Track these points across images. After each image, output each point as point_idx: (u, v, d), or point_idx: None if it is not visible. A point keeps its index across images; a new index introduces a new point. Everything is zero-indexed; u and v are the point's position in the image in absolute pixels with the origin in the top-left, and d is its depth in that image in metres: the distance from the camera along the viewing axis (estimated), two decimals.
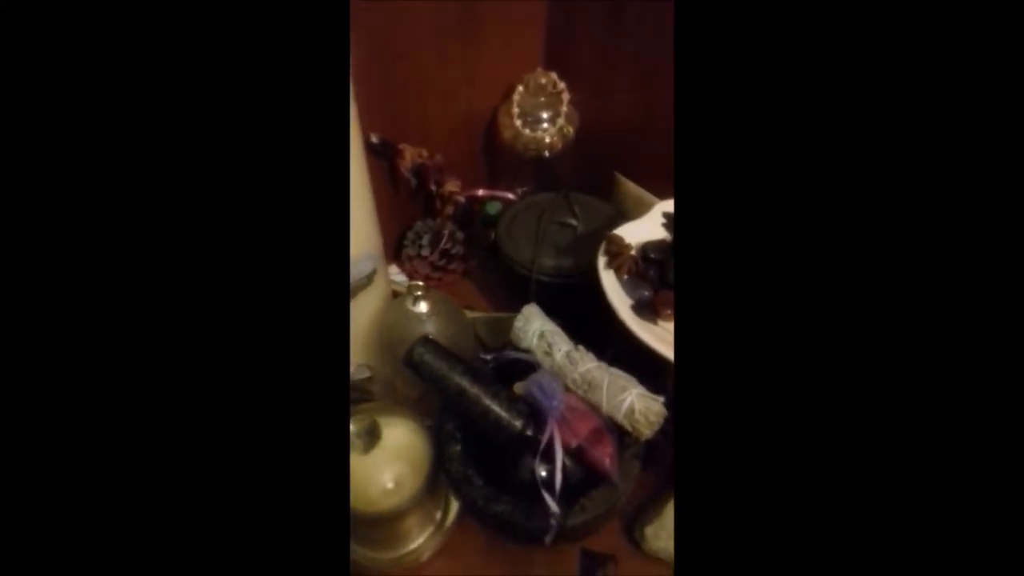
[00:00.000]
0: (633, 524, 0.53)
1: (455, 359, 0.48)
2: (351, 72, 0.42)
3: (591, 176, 0.72)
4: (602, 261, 0.52)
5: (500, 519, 0.44)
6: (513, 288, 0.63)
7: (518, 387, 0.49)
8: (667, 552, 0.51)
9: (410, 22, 0.60)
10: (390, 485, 0.45)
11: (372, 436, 0.45)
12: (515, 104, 0.66)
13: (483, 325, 0.64)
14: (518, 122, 0.66)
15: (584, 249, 0.60)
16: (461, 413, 0.48)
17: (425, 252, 0.70)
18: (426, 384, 0.48)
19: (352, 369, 0.59)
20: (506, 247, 0.62)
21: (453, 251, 0.71)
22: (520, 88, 0.67)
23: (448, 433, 0.48)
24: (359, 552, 0.49)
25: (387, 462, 0.45)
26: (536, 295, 0.59)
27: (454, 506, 0.53)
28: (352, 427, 0.45)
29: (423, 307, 0.54)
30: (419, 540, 0.51)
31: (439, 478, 0.49)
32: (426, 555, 0.50)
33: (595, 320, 0.53)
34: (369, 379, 0.62)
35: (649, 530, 0.51)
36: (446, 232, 0.70)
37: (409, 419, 0.49)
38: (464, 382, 0.47)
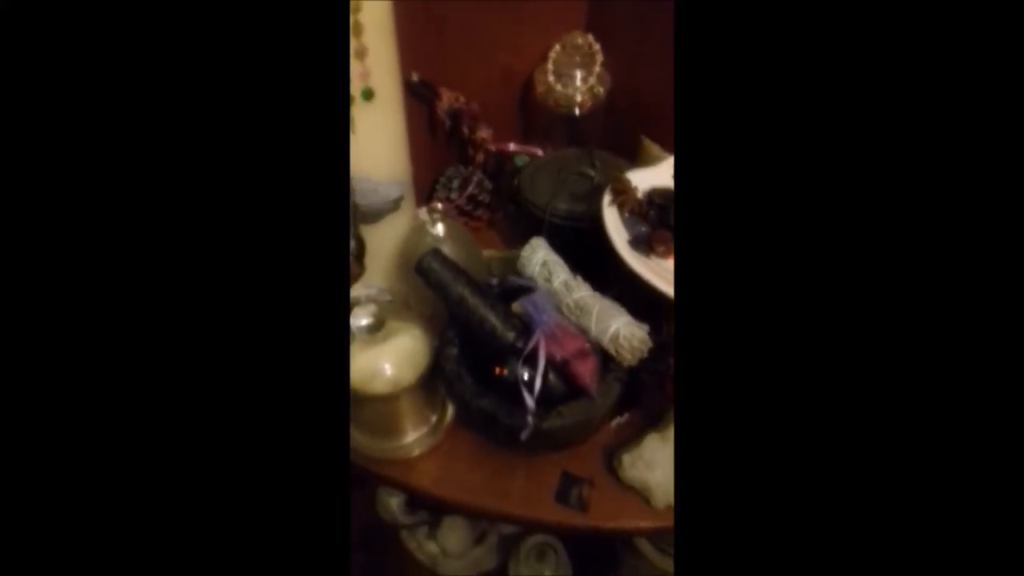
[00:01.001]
0: (612, 456, 0.57)
1: (460, 271, 0.53)
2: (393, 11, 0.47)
3: (618, 137, 0.76)
4: (607, 198, 0.56)
5: (483, 413, 0.49)
6: (529, 230, 0.67)
7: (515, 305, 0.54)
8: (641, 481, 0.54)
9: None
10: (388, 373, 0.51)
11: (377, 326, 0.50)
12: (550, 61, 0.71)
13: (497, 263, 0.69)
14: (551, 78, 0.71)
15: (598, 198, 0.64)
16: (461, 321, 0.53)
17: (454, 196, 0.76)
18: (432, 291, 0.53)
19: (373, 292, 0.66)
20: (526, 191, 0.67)
21: (480, 198, 0.77)
22: (557, 47, 0.71)
23: (448, 338, 0.54)
24: (356, 438, 0.55)
25: (388, 352, 0.50)
26: (548, 236, 0.63)
27: (449, 413, 0.58)
28: (362, 319, 0.50)
29: (440, 229, 0.59)
30: (412, 436, 0.56)
31: (436, 380, 0.54)
32: (416, 451, 0.56)
33: (600, 262, 0.57)
34: (390, 302, 0.69)
35: (627, 458, 0.54)
36: (475, 178, 0.76)
37: (415, 324, 0.54)
38: (465, 292, 0.52)
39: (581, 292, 0.53)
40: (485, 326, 0.51)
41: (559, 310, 0.53)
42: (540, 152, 0.79)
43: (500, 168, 0.80)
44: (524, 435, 0.47)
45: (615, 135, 0.79)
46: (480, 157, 0.76)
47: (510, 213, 0.80)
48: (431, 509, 0.76)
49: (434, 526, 0.73)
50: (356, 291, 0.61)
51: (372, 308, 0.49)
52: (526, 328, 0.52)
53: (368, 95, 0.51)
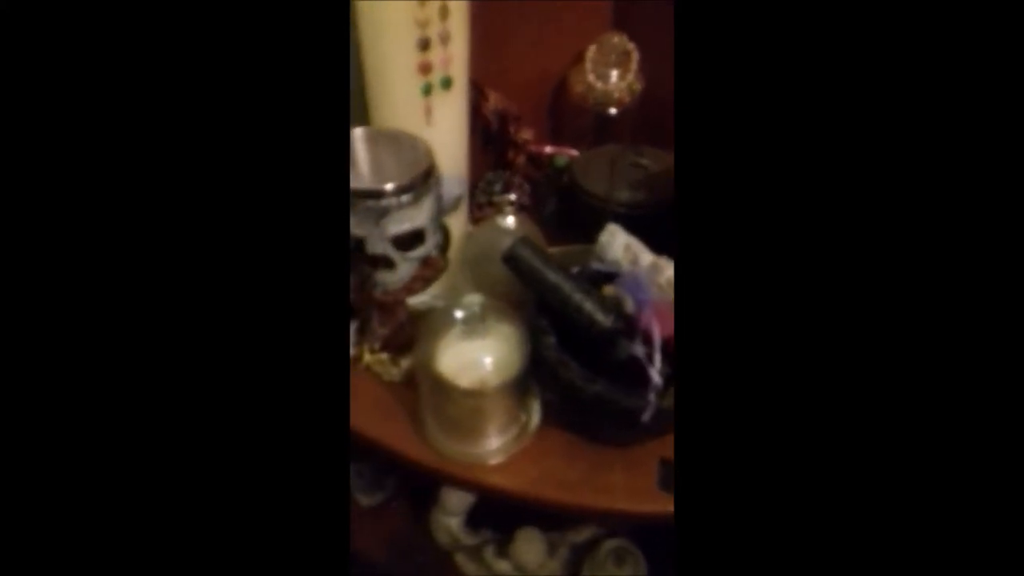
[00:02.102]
0: None
1: (550, 258, 0.53)
2: None
3: (653, 135, 0.78)
4: None
5: (597, 399, 0.48)
6: (586, 223, 0.68)
7: (608, 290, 0.54)
8: None
9: None
10: (490, 368, 0.49)
11: (480, 319, 0.49)
12: (588, 60, 0.73)
13: (560, 258, 0.69)
14: (591, 76, 0.73)
15: (656, 185, 0.66)
16: (554, 308, 0.52)
17: (496, 199, 0.76)
18: (522, 280, 0.52)
19: (427, 298, 0.64)
20: (582, 182, 0.68)
21: (522, 202, 0.77)
22: (593, 47, 0.74)
23: (542, 327, 0.52)
24: (442, 443, 0.53)
25: (490, 346, 0.49)
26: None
27: (535, 414, 0.57)
28: (460, 311, 0.49)
29: (511, 221, 0.59)
30: (500, 439, 0.54)
31: (530, 375, 0.53)
32: (503, 456, 0.53)
33: (668, 247, 0.58)
34: (440, 308, 0.67)
35: None
36: (516, 180, 0.76)
37: (516, 319, 0.53)
38: (559, 278, 0.51)
39: (671, 271, 0.53)
40: (583, 312, 0.51)
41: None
42: (575, 152, 0.80)
43: (537, 169, 0.81)
44: (647, 415, 0.46)
45: (648, 132, 0.82)
46: (521, 159, 0.76)
47: (550, 213, 0.80)
48: (502, 523, 0.73)
49: (504, 542, 0.70)
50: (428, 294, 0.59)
51: (479, 300, 0.47)
52: (620, 312, 0.51)
53: (447, 83, 0.51)
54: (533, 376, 0.53)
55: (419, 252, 0.48)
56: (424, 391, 0.54)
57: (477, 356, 0.50)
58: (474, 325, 0.48)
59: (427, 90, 0.50)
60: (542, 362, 0.51)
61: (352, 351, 0.61)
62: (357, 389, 0.62)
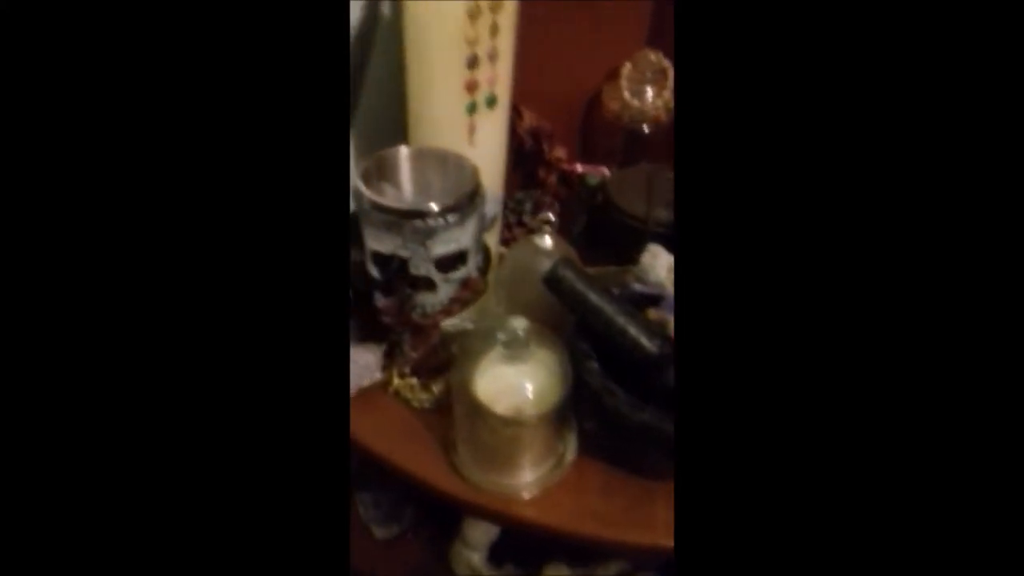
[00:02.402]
0: None
1: (592, 280, 0.51)
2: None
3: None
4: None
5: (645, 427, 0.46)
6: (621, 243, 0.66)
7: (652, 313, 0.52)
8: None
9: None
10: (530, 394, 0.47)
11: (524, 343, 0.47)
12: (623, 77, 0.73)
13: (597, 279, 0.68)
14: (626, 93, 0.72)
15: None
16: (597, 332, 0.50)
17: (526, 219, 0.75)
18: (563, 302, 0.51)
19: (457, 320, 0.62)
20: (618, 202, 0.67)
21: (553, 221, 0.76)
22: (628, 64, 0.73)
23: (583, 352, 0.51)
24: (473, 473, 0.51)
25: (530, 371, 0.47)
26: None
27: (572, 446, 0.55)
28: (502, 333, 0.47)
29: (548, 242, 0.57)
30: (537, 472, 0.52)
31: (566, 409, 0.51)
32: (537, 490, 0.51)
33: None
34: (470, 332, 0.65)
35: None
36: (547, 199, 0.75)
37: (551, 337, 0.51)
38: (602, 301, 0.50)
39: None
40: (627, 336, 0.49)
41: None
42: (606, 171, 0.79)
43: (567, 189, 0.80)
44: None
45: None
46: (552, 178, 0.75)
47: (579, 232, 0.79)
48: (526, 558, 0.70)
49: None
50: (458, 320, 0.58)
51: (523, 323, 0.46)
52: (667, 336, 0.50)
53: (492, 102, 0.50)
54: (573, 404, 0.51)
55: (460, 273, 0.46)
56: (458, 416, 0.52)
57: (517, 382, 0.48)
58: (516, 349, 0.46)
59: (472, 109, 0.49)
60: (584, 389, 0.49)
61: (381, 375, 0.59)
62: (385, 414, 0.60)
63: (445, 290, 0.47)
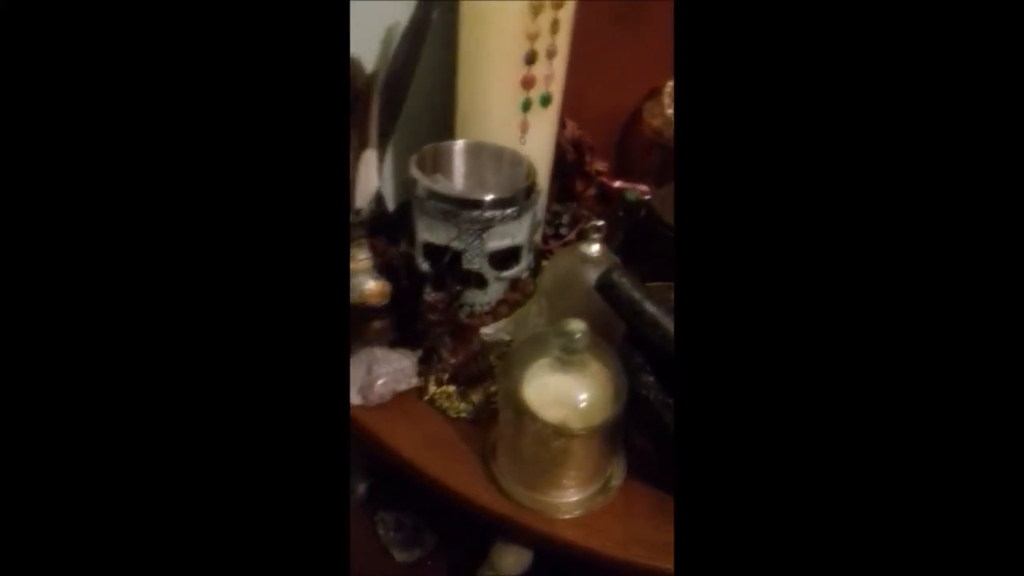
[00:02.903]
0: None
1: (645, 288, 0.49)
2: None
3: None
4: None
5: None
6: (667, 259, 0.65)
7: None
8: None
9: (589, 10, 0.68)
10: (583, 405, 0.44)
11: (582, 349, 0.44)
12: (665, 94, 0.72)
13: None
14: (668, 111, 0.72)
15: None
16: (651, 344, 0.48)
17: (564, 231, 0.73)
18: (615, 310, 0.49)
19: (492, 330, 0.60)
20: (666, 218, 0.65)
21: (602, 227, 0.74)
22: (670, 82, 0.73)
23: (638, 364, 0.48)
24: (514, 488, 0.48)
25: (583, 382, 0.44)
26: None
27: (620, 470, 0.52)
28: (559, 338, 0.45)
29: (596, 249, 0.56)
30: (583, 493, 0.49)
31: (622, 419, 0.48)
32: (582, 511, 0.48)
33: None
34: (508, 342, 0.63)
35: None
36: (584, 213, 0.74)
37: (606, 347, 0.48)
38: (658, 312, 0.48)
39: None
40: None
41: None
42: (644, 188, 0.78)
43: (604, 204, 0.79)
44: None
45: None
46: (590, 192, 0.74)
47: (616, 248, 0.77)
48: None
49: None
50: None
51: (583, 327, 0.43)
52: None
53: (546, 101, 0.49)
54: (625, 420, 0.48)
55: (512, 272, 0.45)
56: (502, 426, 0.50)
57: (568, 392, 0.45)
58: (570, 354, 0.44)
59: (526, 106, 0.48)
60: (639, 403, 0.47)
61: (416, 382, 0.57)
62: (420, 423, 0.57)
63: (495, 289, 0.45)
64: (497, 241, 0.42)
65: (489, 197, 0.41)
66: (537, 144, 0.51)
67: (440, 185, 0.43)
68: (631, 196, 0.78)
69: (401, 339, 0.59)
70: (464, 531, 0.78)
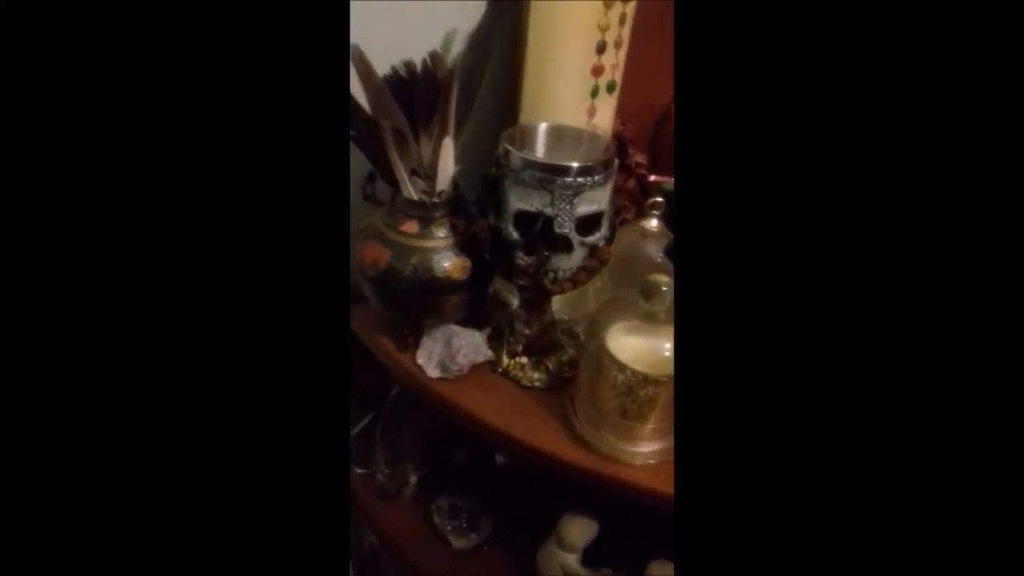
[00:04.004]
0: None
1: None
2: None
3: None
4: None
5: None
6: None
7: None
8: None
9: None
10: (667, 353, 0.49)
11: (662, 299, 0.49)
12: None
13: None
14: None
15: None
16: None
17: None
18: None
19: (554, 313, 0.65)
20: None
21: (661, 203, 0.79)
22: None
23: None
24: (595, 437, 0.52)
25: (668, 334, 0.49)
26: None
27: None
28: (645, 294, 0.49)
29: (655, 223, 0.61)
30: (663, 443, 0.53)
31: None
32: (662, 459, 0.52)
33: None
34: (568, 321, 0.67)
35: None
36: (626, 204, 0.79)
37: None
38: None
39: None
40: None
41: None
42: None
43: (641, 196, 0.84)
44: None
45: None
46: (631, 184, 0.80)
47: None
48: (624, 560, 0.68)
49: None
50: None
51: (667, 279, 0.48)
52: None
53: (612, 88, 0.55)
54: None
55: (594, 238, 0.50)
56: (584, 385, 0.53)
57: (649, 349, 0.50)
58: (658, 308, 0.48)
59: (594, 92, 0.54)
60: None
61: (489, 355, 0.61)
62: (497, 392, 0.61)
63: (578, 254, 0.50)
64: (586, 206, 0.47)
65: (578, 164, 0.46)
66: (600, 129, 0.57)
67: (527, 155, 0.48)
68: (667, 188, 0.84)
69: (467, 319, 0.63)
70: (520, 515, 0.81)
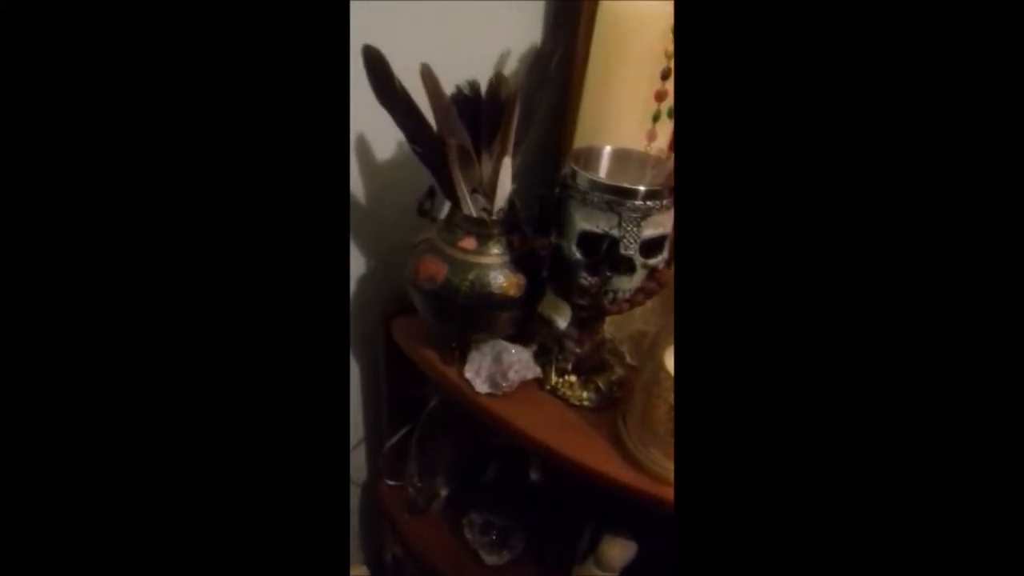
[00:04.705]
0: None
1: None
2: None
3: None
4: None
5: None
6: None
7: None
8: None
9: None
10: None
11: None
12: None
13: None
14: None
15: None
16: None
17: None
18: None
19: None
20: None
21: None
22: None
23: None
24: (648, 457, 0.52)
25: None
26: None
27: None
28: None
29: None
30: None
31: None
32: None
33: None
34: (612, 340, 0.68)
35: None
36: None
37: None
38: None
39: None
40: None
41: None
42: None
43: None
44: None
45: None
46: None
47: None
48: None
49: None
50: None
51: None
52: None
53: (672, 113, 0.56)
54: None
55: (655, 261, 0.50)
56: (639, 405, 0.54)
57: None
58: None
59: (656, 117, 0.55)
60: None
61: (538, 372, 0.62)
62: (545, 410, 0.62)
63: (639, 276, 0.51)
64: (651, 229, 0.48)
65: (645, 188, 0.47)
66: (658, 151, 0.58)
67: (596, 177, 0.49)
68: None
69: (514, 335, 0.64)
70: (552, 532, 0.81)
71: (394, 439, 0.80)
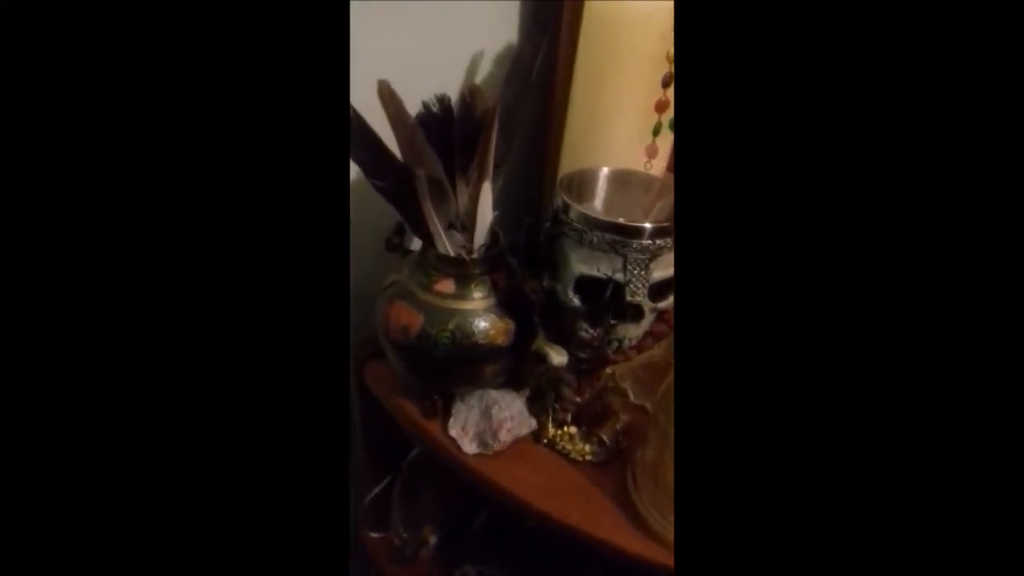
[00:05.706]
0: None
1: None
2: None
3: None
4: None
5: None
6: None
7: None
8: None
9: None
10: None
11: None
12: None
13: None
14: None
15: None
16: None
17: None
18: None
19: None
20: None
21: None
22: None
23: None
24: (661, 525, 0.46)
25: None
26: None
27: None
28: None
29: None
30: None
31: None
32: None
33: None
34: (612, 374, 0.62)
35: None
36: None
37: None
38: None
39: None
40: None
41: None
42: None
43: None
44: None
45: None
46: None
47: None
48: None
49: None
50: None
51: None
52: None
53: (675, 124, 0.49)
54: None
55: (667, 302, 0.44)
56: (650, 464, 0.48)
57: None
58: None
59: (657, 130, 0.48)
60: None
61: (533, 425, 0.55)
62: (542, 468, 0.56)
63: (647, 320, 0.44)
64: (662, 271, 0.41)
65: (652, 225, 0.40)
66: (660, 169, 0.51)
67: (593, 213, 0.42)
68: None
69: (507, 380, 0.57)
70: None
71: (375, 491, 0.73)
